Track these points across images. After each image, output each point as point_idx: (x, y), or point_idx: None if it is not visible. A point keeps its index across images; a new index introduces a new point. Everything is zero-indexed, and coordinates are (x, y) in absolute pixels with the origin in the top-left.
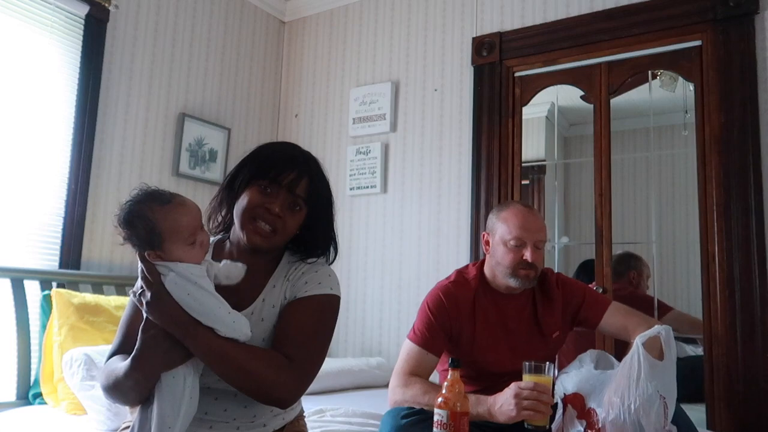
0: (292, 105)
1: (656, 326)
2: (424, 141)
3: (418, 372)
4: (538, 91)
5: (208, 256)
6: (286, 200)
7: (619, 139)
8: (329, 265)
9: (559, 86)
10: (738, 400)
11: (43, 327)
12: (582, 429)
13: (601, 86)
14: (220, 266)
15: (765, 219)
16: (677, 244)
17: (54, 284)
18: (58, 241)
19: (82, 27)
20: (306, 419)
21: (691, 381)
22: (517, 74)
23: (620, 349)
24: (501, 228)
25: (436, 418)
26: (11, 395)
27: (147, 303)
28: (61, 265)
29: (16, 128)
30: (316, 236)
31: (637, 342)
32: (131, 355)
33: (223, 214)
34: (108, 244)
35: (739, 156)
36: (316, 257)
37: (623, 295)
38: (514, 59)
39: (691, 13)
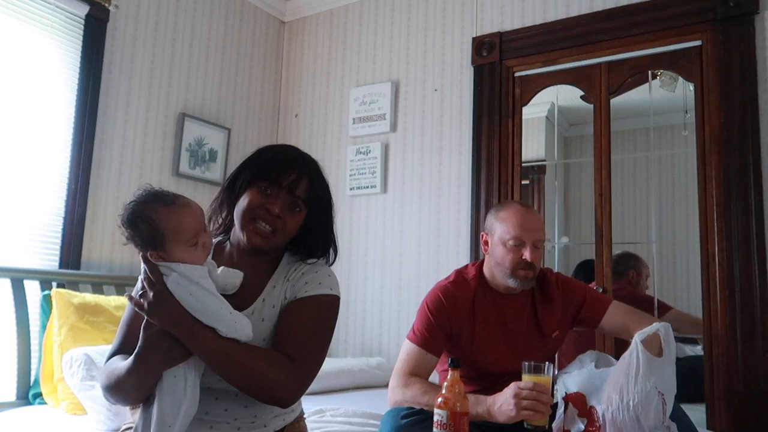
0: (292, 105)
1: (655, 324)
2: (424, 141)
3: (417, 372)
4: (538, 91)
5: (209, 258)
6: (287, 201)
7: (619, 139)
8: (329, 266)
9: (559, 86)
10: (738, 400)
11: (43, 327)
12: (583, 427)
13: (601, 86)
14: (218, 273)
15: (765, 219)
16: (677, 244)
17: (54, 284)
18: (58, 241)
19: (82, 27)
20: (306, 419)
21: (691, 381)
22: (517, 74)
23: (620, 349)
24: (500, 228)
25: (435, 418)
26: (11, 395)
27: (149, 303)
28: (61, 265)
29: (17, 128)
30: (315, 238)
31: (636, 339)
32: (133, 353)
33: (223, 216)
34: (108, 244)
35: (739, 156)
36: (316, 258)
37: (623, 294)
38: (514, 59)
39: (691, 13)
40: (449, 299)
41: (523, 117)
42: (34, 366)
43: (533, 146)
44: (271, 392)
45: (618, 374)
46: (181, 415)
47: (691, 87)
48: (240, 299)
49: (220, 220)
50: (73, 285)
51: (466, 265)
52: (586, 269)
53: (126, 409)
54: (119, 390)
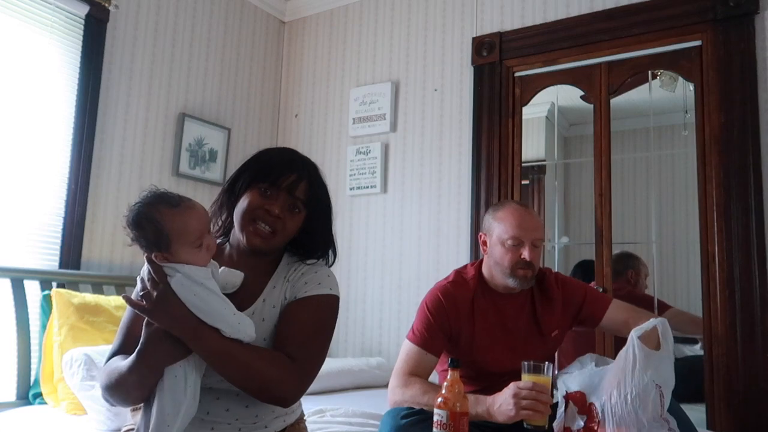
0: (292, 105)
1: (652, 320)
2: (424, 141)
3: (417, 372)
4: (538, 91)
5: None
6: (286, 202)
7: (619, 139)
8: (328, 267)
9: (559, 86)
10: (738, 400)
11: (43, 327)
12: (583, 424)
13: (601, 86)
14: (219, 273)
15: (765, 219)
16: (677, 244)
17: (54, 284)
18: (58, 241)
19: (82, 27)
20: (306, 419)
21: (691, 381)
22: (517, 74)
23: (620, 348)
24: (498, 228)
25: (435, 418)
26: (11, 395)
27: (151, 303)
28: (61, 265)
29: (17, 128)
30: (315, 240)
31: (633, 335)
32: (136, 350)
33: (223, 218)
34: (108, 244)
35: (739, 156)
36: (315, 260)
37: (622, 294)
38: (514, 59)
39: (691, 13)
40: (448, 299)
41: (523, 117)
42: (34, 366)
43: (533, 146)
44: (273, 392)
45: (616, 370)
46: (181, 414)
47: (691, 87)
48: (240, 300)
49: (220, 222)
50: (73, 285)
51: (465, 265)
52: (584, 269)
53: (126, 409)
54: (120, 388)
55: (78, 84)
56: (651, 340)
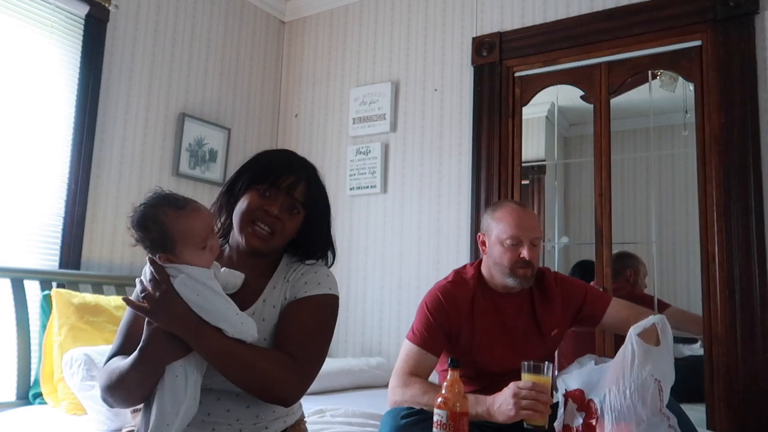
0: (292, 105)
1: (651, 317)
2: (424, 141)
3: (417, 372)
4: (538, 91)
5: None
6: (285, 203)
7: (619, 139)
8: (328, 268)
9: (559, 86)
10: (738, 400)
11: (43, 327)
12: (582, 420)
13: (601, 86)
14: (220, 274)
15: (765, 219)
16: (677, 244)
17: (54, 284)
18: (58, 241)
19: (82, 27)
20: (306, 419)
21: (691, 381)
22: (517, 74)
23: (620, 348)
24: (496, 228)
25: (435, 418)
26: (11, 395)
27: (154, 303)
28: (61, 265)
29: (17, 128)
30: (314, 241)
31: (631, 332)
32: (138, 347)
33: (222, 219)
34: (108, 244)
35: (739, 156)
36: (314, 260)
37: (622, 294)
38: (514, 59)
39: (691, 13)
40: (448, 299)
41: (523, 117)
42: (34, 366)
43: (533, 146)
44: (275, 392)
45: (615, 366)
46: (181, 414)
47: (691, 87)
48: (240, 300)
49: (219, 224)
50: (73, 285)
51: (465, 265)
52: (583, 269)
53: (126, 410)
54: (121, 387)
55: (78, 84)
56: (650, 338)
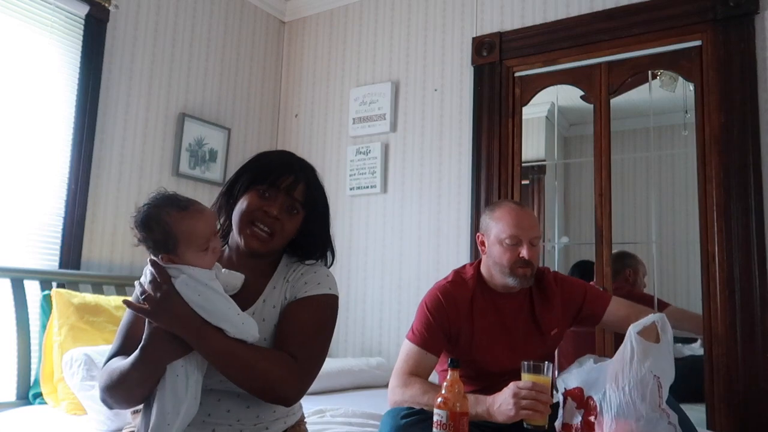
0: (292, 105)
1: (651, 315)
2: (424, 141)
3: (417, 372)
4: (538, 91)
5: None
6: (284, 203)
7: (619, 139)
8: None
9: (559, 86)
10: (738, 400)
11: (43, 327)
12: (581, 418)
13: (601, 86)
14: (221, 275)
15: (765, 219)
16: (677, 244)
17: (54, 284)
18: (58, 241)
19: (82, 27)
20: (306, 420)
21: (691, 381)
22: (517, 74)
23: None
24: (495, 228)
25: (435, 418)
26: (11, 395)
27: (155, 304)
28: (61, 265)
29: (17, 128)
30: (313, 242)
31: (631, 330)
32: (139, 346)
33: (221, 221)
34: (108, 244)
35: (739, 156)
36: (314, 260)
37: (621, 293)
38: (514, 59)
39: (691, 13)
40: (448, 299)
41: (523, 117)
42: (34, 366)
43: (533, 146)
44: (277, 391)
45: (614, 364)
46: (182, 414)
47: (691, 87)
48: (240, 300)
49: (219, 225)
50: (73, 285)
51: (464, 265)
52: (581, 270)
53: (126, 410)
54: (121, 387)
55: (78, 84)
56: (650, 336)
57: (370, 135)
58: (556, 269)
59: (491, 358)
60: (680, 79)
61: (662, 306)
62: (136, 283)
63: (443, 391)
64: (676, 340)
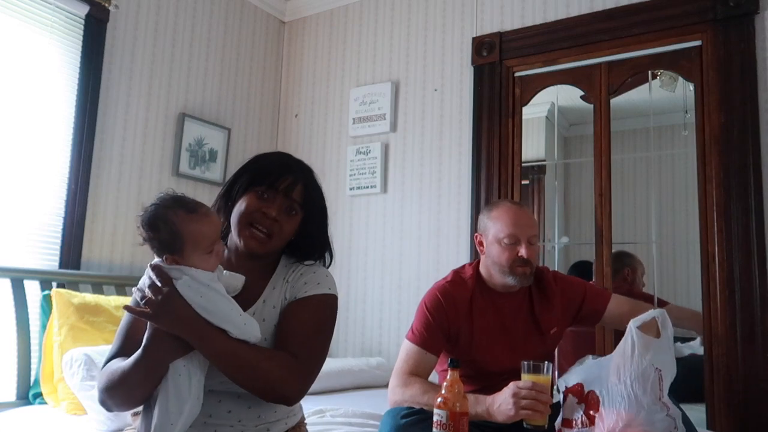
0: (292, 105)
1: (651, 310)
2: (424, 141)
3: (417, 372)
4: (538, 91)
5: None
6: (283, 204)
7: (619, 139)
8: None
9: (559, 86)
10: (738, 400)
11: (43, 327)
12: (582, 412)
13: (601, 86)
14: (223, 276)
15: (765, 219)
16: (677, 244)
17: (54, 284)
18: (58, 241)
19: (82, 27)
20: (306, 420)
21: (691, 381)
22: (517, 74)
23: None
24: (493, 227)
25: (435, 418)
26: (11, 395)
27: (156, 306)
28: (61, 265)
29: (17, 128)
30: (311, 242)
31: (631, 325)
32: (142, 345)
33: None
34: (108, 244)
35: (739, 156)
36: (312, 261)
37: (620, 293)
38: (514, 59)
39: (691, 13)
40: (447, 299)
41: (523, 117)
42: (34, 366)
43: (533, 146)
44: (279, 391)
45: (615, 358)
46: (185, 414)
47: (691, 87)
48: (240, 301)
49: None
50: (73, 285)
51: (464, 265)
52: (580, 270)
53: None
54: (122, 387)
55: (78, 84)
56: (650, 331)
57: (370, 135)
58: (556, 269)
59: (491, 358)
60: (680, 79)
61: (661, 304)
62: (134, 289)
63: (443, 391)
64: (676, 339)
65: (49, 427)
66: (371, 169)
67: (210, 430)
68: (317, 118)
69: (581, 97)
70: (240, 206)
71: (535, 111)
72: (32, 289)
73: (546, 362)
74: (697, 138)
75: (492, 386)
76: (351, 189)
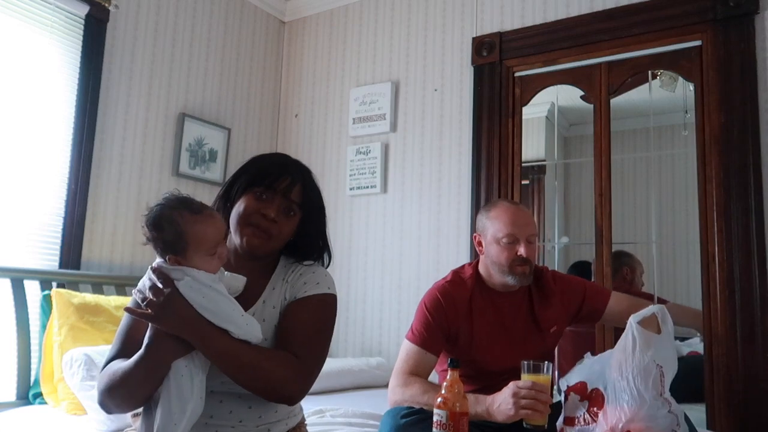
0: (292, 105)
1: (651, 306)
2: (424, 141)
3: (417, 372)
4: (538, 91)
5: None
6: (281, 205)
7: (619, 139)
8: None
9: (559, 86)
10: (738, 400)
11: (43, 327)
12: (585, 410)
13: (601, 86)
14: (224, 277)
15: (765, 219)
16: (677, 244)
17: (54, 284)
18: (58, 241)
19: (82, 27)
20: (306, 420)
21: (691, 381)
22: (517, 74)
23: None
24: (492, 227)
25: (435, 418)
26: (11, 395)
27: (158, 307)
28: (61, 265)
29: (17, 128)
30: (310, 243)
31: (631, 321)
32: (143, 346)
33: None
34: (108, 244)
35: (739, 156)
36: (312, 261)
37: (619, 292)
38: (514, 59)
39: (691, 13)
40: (447, 299)
41: (523, 117)
42: (34, 366)
43: (533, 146)
44: (280, 390)
45: (616, 354)
46: (188, 414)
47: (691, 87)
48: (240, 302)
49: None
50: (73, 285)
51: (463, 265)
52: (579, 270)
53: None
54: (123, 387)
55: (78, 84)
56: (651, 327)
57: (370, 135)
58: (556, 269)
59: (491, 358)
60: (680, 79)
61: (661, 304)
62: (134, 291)
63: (443, 391)
64: (675, 338)
65: (49, 427)
66: (371, 169)
67: (211, 431)
68: (317, 118)
69: (581, 97)
70: (239, 207)
71: (535, 111)
72: (32, 289)
73: (546, 362)
74: (697, 138)
75: (492, 386)
76: (351, 189)
